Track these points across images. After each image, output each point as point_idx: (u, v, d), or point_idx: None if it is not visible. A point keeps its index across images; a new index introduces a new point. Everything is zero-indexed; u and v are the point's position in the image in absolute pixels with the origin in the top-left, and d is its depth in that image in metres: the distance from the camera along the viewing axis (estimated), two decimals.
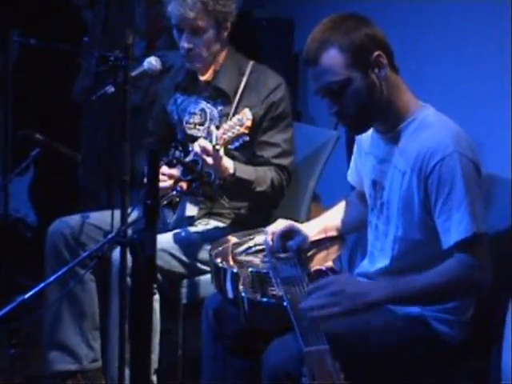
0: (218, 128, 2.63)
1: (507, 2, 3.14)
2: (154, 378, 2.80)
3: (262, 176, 2.83)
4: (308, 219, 2.86)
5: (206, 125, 2.91)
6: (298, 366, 1.91)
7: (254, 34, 4.58)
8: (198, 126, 2.95)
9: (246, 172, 2.79)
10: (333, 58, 2.10)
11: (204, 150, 2.60)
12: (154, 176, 1.79)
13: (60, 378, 2.99)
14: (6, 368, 2.82)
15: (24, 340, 2.99)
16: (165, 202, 2.77)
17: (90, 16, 3.93)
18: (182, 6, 2.78)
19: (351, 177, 2.50)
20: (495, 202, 2.19)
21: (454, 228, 2.05)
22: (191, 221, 2.94)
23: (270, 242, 2.43)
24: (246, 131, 2.60)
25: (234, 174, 2.73)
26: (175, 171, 2.80)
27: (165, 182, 2.75)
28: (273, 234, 2.43)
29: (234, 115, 2.73)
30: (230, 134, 2.60)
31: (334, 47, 2.10)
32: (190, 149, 2.76)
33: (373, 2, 3.54)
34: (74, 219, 2.98)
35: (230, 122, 2.62)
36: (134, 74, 2.51)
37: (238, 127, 2.59)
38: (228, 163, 2.73)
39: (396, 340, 2.14)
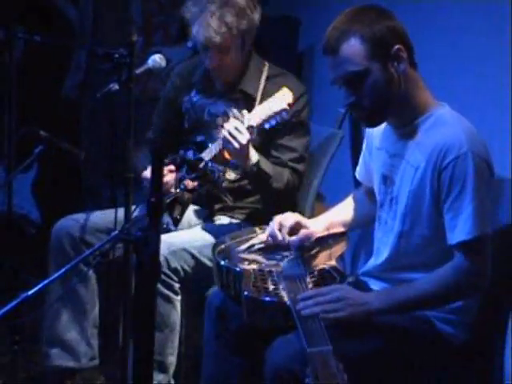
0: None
1: (507, 1, 3.13)
2: (173, 381, 2.81)
3: (280, 173, 2.83)
4: (312, 218, 2.85)
5: None
6: (301, 365, 1.90)
7: (258, 32, 4.57)
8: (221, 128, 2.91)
9: (267, 165, 2.78)
10: (353, 47, 2.10)
11: (236, 129, 2.59)
12: (158, 174, 1.78)
13: (58, 375, 2.98)
14: (8, 364, 2.83)
15: (27, 336, 2.99)
16: (168, 200, 2.76)
17: (73, 13, 3.88)
18: (207, 31, 2.76)
19: (360, 173, 2.50)
20: (495, 201, 2.19)
21: (459, 227, 2.07)
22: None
23: (276, 232, 2.42)
24: (288, 108, 2.60)
25: (257, 164, 2.71)
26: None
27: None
28: (279, 224, 2.43)
29: None
30: (267, 112, 2.60)
31: (355, 37, 2.10)
32: (210, 145, 2.76)
33: (375, 0, 3.53)
34: (81, 217, 2.96)
35: (269, 100, 2.62)
36: (138, 71, 2.51)
37: (279, 103, 2.59)
38: (253, 151, 2.71)
39: (399, 339, 2.14)
